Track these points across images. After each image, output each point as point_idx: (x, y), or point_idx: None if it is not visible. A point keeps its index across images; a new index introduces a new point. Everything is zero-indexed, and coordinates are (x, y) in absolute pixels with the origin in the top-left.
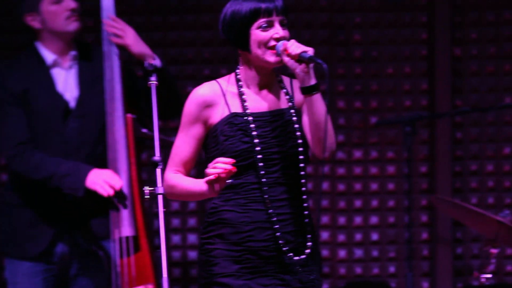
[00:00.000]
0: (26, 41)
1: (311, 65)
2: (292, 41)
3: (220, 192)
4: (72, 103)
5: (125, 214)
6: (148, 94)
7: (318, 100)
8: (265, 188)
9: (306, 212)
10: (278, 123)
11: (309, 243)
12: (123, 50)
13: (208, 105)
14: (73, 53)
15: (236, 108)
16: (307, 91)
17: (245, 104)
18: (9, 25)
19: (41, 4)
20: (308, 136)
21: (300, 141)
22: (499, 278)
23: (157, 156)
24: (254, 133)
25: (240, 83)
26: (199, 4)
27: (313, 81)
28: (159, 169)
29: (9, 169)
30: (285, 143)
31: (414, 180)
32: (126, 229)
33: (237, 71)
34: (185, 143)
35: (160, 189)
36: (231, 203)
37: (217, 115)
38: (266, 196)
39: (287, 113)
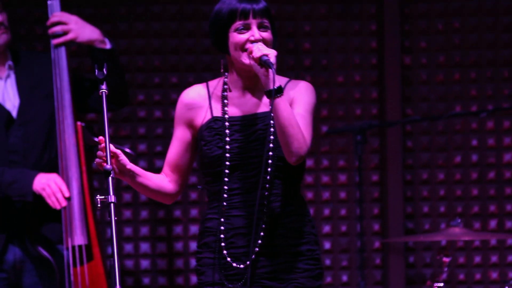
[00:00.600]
0: None
1: (271, 69)
2: (258, 44)
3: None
4: (14, 112)
5: (77, 222)
6: (97, 88)
7: (280, 104)
8: (224, 195)
9: (294, 214)
10: (255, 127)
11: (292, 246)
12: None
13: (191, 107)
14: (9, 62)
15: (218, 112)
16: (268, 94)
17: (225, 108)
18: None
19: None
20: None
21: (270, 145)
22: (452, 286)
23: (108, 165)
24: (228, 138)
25: (225, 86)
26: (148, 12)
27: (272, 85)
28: (111, 177)
29: None
30: (263, 147)
31: (366, 188)
32: (78, 238)
33: (226, 73)
34: (172, 146)
35: (112, 197)
36: (214, 210)
37: (201, 118)
38: (225, 204)
39: (268, 117)
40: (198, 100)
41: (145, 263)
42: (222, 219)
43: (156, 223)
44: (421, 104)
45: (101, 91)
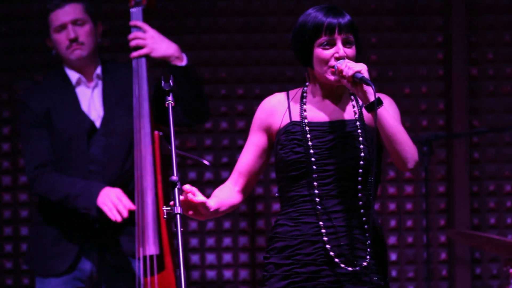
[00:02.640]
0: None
1: (370, 86)
2: (345, 61)
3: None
4: (98, 122)
5: (150, 232)
6: (176, 99)
7: (382, 115)
8: (317, 199)
9: (365, 226)
10: (336, 133)
11: (364, 257)
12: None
13: (272, 113)
14: (97, 71)
15: (297, 117)
16: (368, 109)
17: (304, 113)
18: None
19: (50, 30)
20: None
21: (361, 154)
22: None
23: (174, 176)
24: (310, 143)
25: (305, 94)
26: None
27: (371, 99)
28: (177, 189)
29: (32, 190)
30: (341, 154)
31: (432, 200)
32: (150, 248)
33: (306, 83)
34: (246, 151)
35: (178, 208)
36: (285, 216)
37: (279, 123)
38: (319, 207)
39: (349, 124)
40: (278, 106)
41: (211, 274)
42: (292, 225)
43: (222, 234)
44: (487, 115)
45: (167, 102)
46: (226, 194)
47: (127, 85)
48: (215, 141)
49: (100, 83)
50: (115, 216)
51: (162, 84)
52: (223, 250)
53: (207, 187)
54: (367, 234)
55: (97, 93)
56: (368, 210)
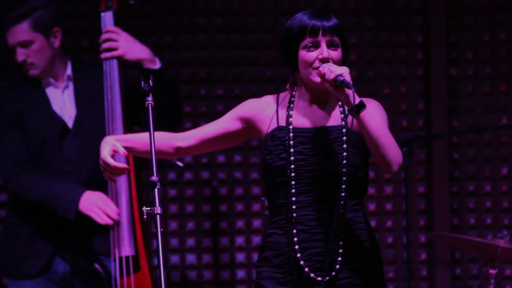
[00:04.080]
0: None
1: (350, 90)
2: (328, 65)
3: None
4: (70, 122)
5: (125, 233)
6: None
7: (367, 118)
8: (293, 207)
9: (355, 229)
10: (321, 140)
11: (351, 261)
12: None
13: (261, 109)
14: (68, 73)
15: (283, 121)
16: (351, 112)
17: (290, 118)
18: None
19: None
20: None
21: (344, 161)
22: None
23: (154, 177)
24: (292, 149)
25: (293, 98)
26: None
27: (354, 102)
28: (157, 189)
29: (8, 190)
30: (326, 161)
31: (412, 200)
32: (126, 249)
33: (295, 87)
34: (212, 125)
35: (158, 209)
36: (274, 225)
37: (266, 126)
38: (294, 215)
39: (335, 130)
40: (267, 109)
41: (191, 274)
42: (282, 233)
43: (202, 235)
44: (467, 115)
45: (147, 102)
46: (158, 140)
47: (99, 85)
48: None
49: (71, 83)
50: (104, 220)
51: (142, 84)
52: (203, 251)
53: (187, 187)
54: (354, 240)
55: (68, 94)
56: (354, 216)
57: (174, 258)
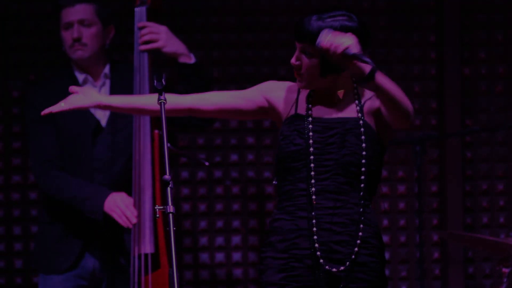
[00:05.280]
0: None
1: (358, 59)
2: (328, 37)
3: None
4: (103, 121)
5: (146, 231)
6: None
7: (381, 80)
8: (312, 195)
9: (361, 223)
10: (337, 130)
11: (354, 254)
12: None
13: (285, 91)
14: (105, 71)
15: (302, 110)
16: (367, 79)
17: (310, 105)
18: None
19: (60, 27)
20: (388, 117)
21: (363, 152)
22: None
23: (167, 175)
24: (310, 135)
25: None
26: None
27: (367, 70)
28: (170, 188)
29: (39, 187)
30: (339, 151)
31: (425, 199)
32: (146, 246)
33: None
34: (234, 92)
35: (170, 207)
36: (282, 210)
37: (285, 112)
38: (314, 203)
39: (350, 122)
40: (289, 94)
41: (204, 274)
42: (289, 219)
43: (214, 234)
44: (480, 115)
45: (159, 101)
46: (170, 100)
47: (132, 83)
48: (207, 140)
49: (107, 82)
50: (125, 223)
51: (155, 83)
52: (216, 250)
53: (200, 186)
54: (360, 233)
55: (104, 92)
56: (366, 208)
57: (187, 257)
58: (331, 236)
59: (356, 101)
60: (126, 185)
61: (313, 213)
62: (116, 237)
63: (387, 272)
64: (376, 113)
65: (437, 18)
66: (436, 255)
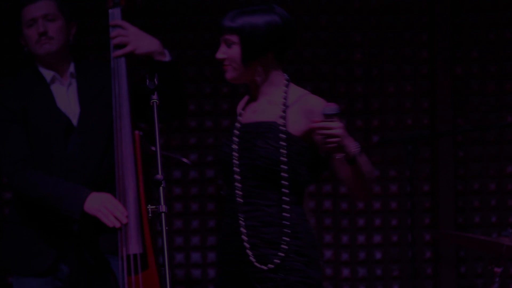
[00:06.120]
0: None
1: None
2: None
3: None
4: (74, 120)
5: (133, 231)
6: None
7: (360, 166)
8: (235, 199)
9: (276, 225)
10: (251, 134)
11: (277, 255)
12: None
13: (239, 106)
14: (71, 70)
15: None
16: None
17: (242, 111)
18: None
19: (22, 26)
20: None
21: (275, 156)
22: None
23: (159, 175)
24: (233, 143)
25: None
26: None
27: (349, 156)
28: (162, 187)
29: (11, 188)
30: (250, 155)
31: (417, 198)
32: (134, 247)
33: None
34: None
35: (163, 207)
36: (225, 213)
37: None
38: (233, 207)
39: (264, 125)
40: (243, 102)
41: (196, 273)
42: (228, 222)
43: (206, 233)
44: (472, 114)
45: (152, 101)
46: None
47: (102, 82)
48: (199, 140)
49: (74, 81)
50: (113, 223)
51: (147, 83)
52: (208, 249)
53: (191, 186)
54: (284, 238)
55: (72, 91)
56: (283, 210)
57: (179, 256)
58: (244, 240)
59: (282, 103)
60: (101, 185)
61: (231, 218)
62: (92, 238)
63: (379, 271)
64: (305, 129)
65: (429, 18)
66: (428, 254)
